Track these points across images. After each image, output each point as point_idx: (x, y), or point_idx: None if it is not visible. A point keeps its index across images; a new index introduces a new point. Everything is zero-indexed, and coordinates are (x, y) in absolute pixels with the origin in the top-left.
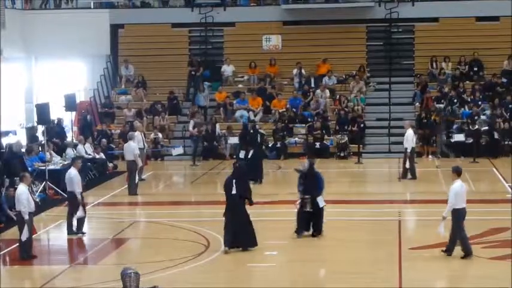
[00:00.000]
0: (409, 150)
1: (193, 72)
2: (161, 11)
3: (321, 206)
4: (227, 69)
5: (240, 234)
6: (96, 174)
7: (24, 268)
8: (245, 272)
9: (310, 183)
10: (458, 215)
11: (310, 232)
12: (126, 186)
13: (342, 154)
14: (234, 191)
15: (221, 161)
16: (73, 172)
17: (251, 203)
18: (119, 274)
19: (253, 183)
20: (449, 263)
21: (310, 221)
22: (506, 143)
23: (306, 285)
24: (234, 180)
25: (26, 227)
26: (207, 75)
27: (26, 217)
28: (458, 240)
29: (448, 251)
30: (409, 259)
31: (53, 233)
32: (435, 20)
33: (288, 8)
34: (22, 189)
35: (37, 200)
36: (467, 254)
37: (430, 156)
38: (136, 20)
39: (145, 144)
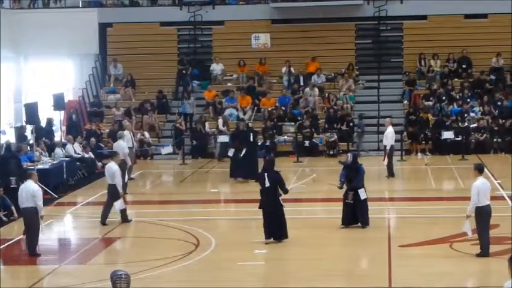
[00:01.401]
0: (388, 148)
1: (183, 71)
2: (150, 9)
3: (362, 198)
4: (216, 68)
5: (273, 226)
6: (85, 173)
7: (13, 268)
8: (235, 270)
9: (353, 176)
10: (482, 213)
11: (359, 224)
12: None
13: (331, 152)
14: (267, 184)
15: (210, 160)
16: (114, 166)
17: (285, 192)
18: (109, 274)
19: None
20: (439, 261)
21: (354, 213)
22: (495, 140)
23: (295, 283)
24: (265, 174)
25: (42, 223)
26: (196, 74)
27: (42, 213)
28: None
29: (484, 253)
30: (399, 257)
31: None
32: (424, 17)
33: (277, 6)
34: (35, 185)
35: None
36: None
37: (419, 154)
38: (125, 19)
39: (134, 143)
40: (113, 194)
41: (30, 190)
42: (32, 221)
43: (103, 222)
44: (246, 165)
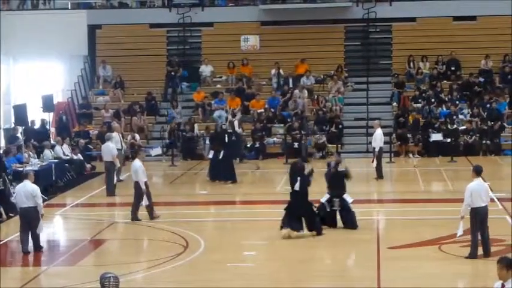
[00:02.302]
0: (377, 150)
1: (173, 73)
2: (139, 11)
3: (350, 201)
4: (205, 70)
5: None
6: (74, 175)
7: (3, 269)
8: (224, 272)
9: (336, 182)
10: (475, 214)
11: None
12: (105, 187)
13: (320, 154)
14: (297, 188)
15: (199, 161)
16: (138, 163)
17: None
18: (98, 275)
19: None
20: (427, 262)
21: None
22: (484, 142)
23: (284, 284)
24: (298, 178)
25: (41, 221)
26: (185, 76)
27: (42, 211)
28: (480, 239)
29: (472, 255)
30: (387, 258)
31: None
32: (413, 19)
33: (266, 8)
34: (33, 185)
35: (14, 201)
36: (482, 254)
37: (410, 155)
38: (114, 21)
39: (123, 144)
40: (137, 191)
41: (30, 190)
42: (33, 220)
43: (133, 218)
44: (223, 168)
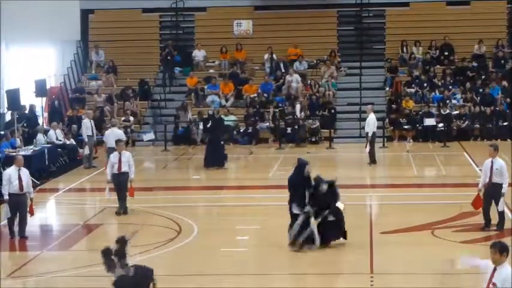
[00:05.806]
0: (370, 135)
1: (168, 57)
2: None
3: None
4: (198, 54)
5: None
6: (66, 160)
7: None
8: (217, 257)
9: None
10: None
11: None
12: (97, 171)
13: (313, 139)
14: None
15: (193, 146)
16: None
17: None
18: (90, 261)
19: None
20: (420, 247)
21: None
22: (476, 126)
23: (277, 269)
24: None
25: (6, 207)
26: (178, 61)
27: (5, 197)
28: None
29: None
30: (380, 243)
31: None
32: (406, 4)
33: None
34: (6, 170)
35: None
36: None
37: (408, 140)
38: (107, 5)
39: (94, 131)
40: None
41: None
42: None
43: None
44: (216, 153)
